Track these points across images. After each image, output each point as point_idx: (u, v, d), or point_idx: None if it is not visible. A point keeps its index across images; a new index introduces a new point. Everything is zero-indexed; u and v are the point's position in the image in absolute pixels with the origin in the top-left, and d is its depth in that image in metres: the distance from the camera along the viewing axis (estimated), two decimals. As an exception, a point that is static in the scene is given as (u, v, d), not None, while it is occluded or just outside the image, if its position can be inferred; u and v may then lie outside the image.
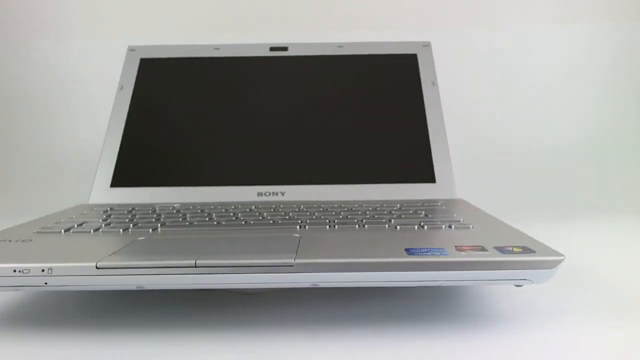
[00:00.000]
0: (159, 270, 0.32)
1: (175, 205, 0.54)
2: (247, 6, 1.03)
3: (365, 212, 0.48)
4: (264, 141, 0.62)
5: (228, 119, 0.63)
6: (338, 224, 0.43)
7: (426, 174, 0.59)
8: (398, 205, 0.52)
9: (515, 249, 0.34)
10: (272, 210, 0.50)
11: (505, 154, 0.96)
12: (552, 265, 0.32)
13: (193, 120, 0.63)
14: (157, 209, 0.52)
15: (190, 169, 0.60)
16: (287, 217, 0.46)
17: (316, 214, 0.48)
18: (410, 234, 0.39)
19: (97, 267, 0.32)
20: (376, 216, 0.46)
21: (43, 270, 0.32)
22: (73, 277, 0.32)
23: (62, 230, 0.42)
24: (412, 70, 0.67)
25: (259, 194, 0.58)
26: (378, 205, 0.52)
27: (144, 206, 0.55)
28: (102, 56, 1.01)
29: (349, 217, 0.46)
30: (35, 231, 0.42)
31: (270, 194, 0.58)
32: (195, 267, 0.32)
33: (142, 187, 0.59)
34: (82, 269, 0.32)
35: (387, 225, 0.42)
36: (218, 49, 0.70)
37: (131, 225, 0.44)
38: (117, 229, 0.42)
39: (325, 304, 0.39)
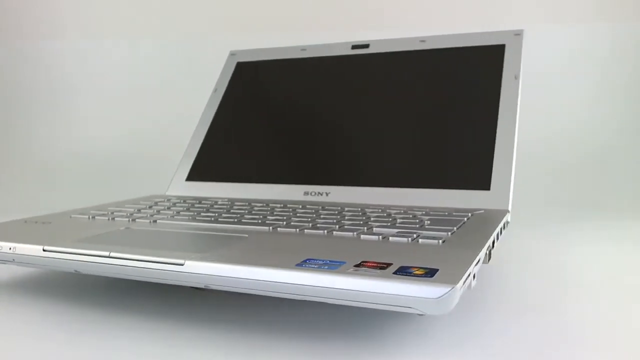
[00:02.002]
0: (84, 257, 0.36)
1: (220, 200, 0.58)
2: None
3: (369, 217, 0.45)
4: (327, 140, 0.61)
5: (302, 118, 0.64)
6: (312, 228, 0.42)
7: (481, 181, 0.53)
8: (422, 212, 0.48)
9: (416, 271, 0.29)
10: (287, 210, 0.50)
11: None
12: (437, 293, 0.27)
13: (268, 119, 0.66)
14: (201, 202, 0.56)
15: (254, 166, 0.63)
16: (284, 218, 0.46)
17: (322, 215, 0.46)
18: (351, 244, 0.36)
19: (43, 250, 0.37)
20: (370, 222, 0.43)
21: (10, 249, 0.38)
22: (27, 257, 0.38)
23: (89, 216, 0.49)
24: (496, 62, 0.60)
25: (305, 193, 0.59)
26: (402, 211, 0.49)
27: (197, 199, 0.59)
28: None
29: (341, 221, 0.44)
30: (71, 216, 0.50)
31: (315, 193, 0.58)
32: (109, 257, 0.35)
33: (209, 181, 0.64)
34: (32, 250, 0.37)
35: (354, 233, 0.40)
36: (305, 49, 0.72)
37: (156, 214, 0.48)
38: (143, 217, 0.47)
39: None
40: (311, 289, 0.30)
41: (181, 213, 0.50)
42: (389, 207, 0.52)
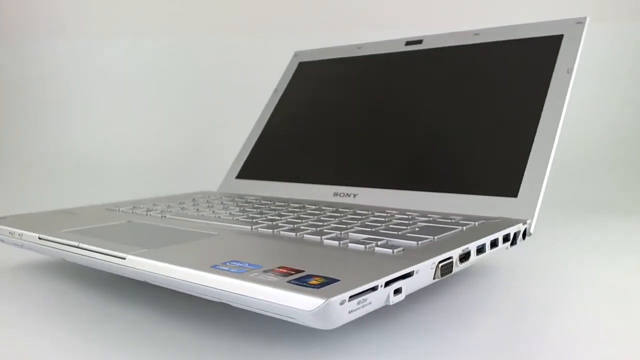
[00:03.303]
0: (62, 247, 0.39)
1: (251, 198, 0.59)
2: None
3: (362, 222, 0.44)
4: (365, 141, 0.60)
5: (347, 118, 0.63)
6: (288, 230, 0.41)
7: (509, 187, 0.48)
8: (427, 218, 0.45)
9: (313, 281, 0.28)
10: (296, 210, 0.50)
11: None
12: (309, 306, 0.26)
13: (317, 120, 0.66)
14: (233, 199, 0.58)
15: (296, 166, 0.63)
16: (280, 218, 0.46)
17: (321, 218, 0.46)
18: (301, 249, 0.36)
19: (38, 238, 0.41)
20: (356, 226, 0.42)
21: (18, 235, 0.43)
22: (29, 243, 0.42)
23: (118, 209, 0.53)
24: (550, 55, 0.55)
25: (335, 194, 0.58)
26: (409, 216, 0.46)
27: (233, 195, 0.61)
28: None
29: (326, 224, 0.43)
30: (106, 209, 0.55)
31: (344, 194, 0.57)
32: (78, 247, 0.38)
33: (256, 180, 0.65)
34: (31, 238, 0.42)
35: (320, 238, 0.39)
36: (360, 47, 0.70)
37: (174, 209, 0.52)
38: (159, 212, 0.51)
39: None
40: (214, 291, 0.30)
41: (198, 209, 0.52)
42: (406, 211, 0.49)
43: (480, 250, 0.38)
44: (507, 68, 0.56)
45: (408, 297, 0.35)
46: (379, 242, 0.36)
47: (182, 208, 0.53)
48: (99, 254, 0.36)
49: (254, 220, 0.46)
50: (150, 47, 1.13)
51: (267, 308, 0.28)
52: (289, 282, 0.28)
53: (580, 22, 0.55)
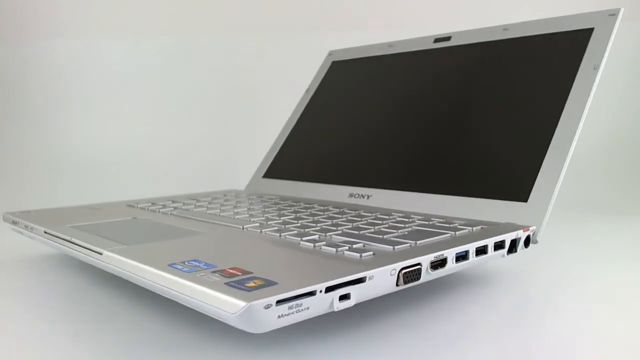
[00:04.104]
0: (60, 241, 0.41)
1: (269, 198, 0.60)
2: None
3: (354, 224, 0.43)
4: (384, 141, 0.59)
5: (373, 118, 0.62)
6: (272, 231, 0.41)
7: (520, 191, 0.46)
8: (426, 221, 0.43)
9: (251, 283, 0.28)
10: (303, 211, 0.50)
11: None
12: (233, 309, 0.25)
13: (343, 119, 0.65)
14: (249, 197, 0.59)
15: (319, 166, 0.63)
16: (277, 219, 0.46)
17: (319, 218, 0.45)
18: (272, 251, 0.36)
19: (44, 232, 0.44)
20: (354, 230, 0.41)
21: (31, 229, 0.46)
22: (39, 237, 0.45)
23: (137, 205, 0.56)
24: (578, 50, 0.51)
25: (350, 195, 0.57)
26: (414, 219, 0.45)
27: (258, 195, 0.62)
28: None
29: (313, 225, 0.43)
30: (127, 205, 0.57)
31: (359, 195, 0.57)
32: (70, 242, 0.40)
33: (281, 179, 0.66)
34: (37, 232, 0.45)
35: (299, 239, 0.38)
36: (391, 46, 0.69)
37: (193, 207, 0.53)
38: (170, 209, 0.52)
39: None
40: (163, 288, 0.30)
41: (209, 207, 0.53)
42: (411, 213, 0.48)
43: (463, 257, 0.36)
44: (533, 65, 0.53)
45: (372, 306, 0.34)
46: (354, 246, 0.35)
47: (196, 206, 0.55)
48: (84, 249, 0.38)
49: (250, 219, 0.46)
50: (187, 46, 1.15)
51: (203, 308, 0.28)
52: (227, 283, 0.28)
53: (613, 14, 0.51)
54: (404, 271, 0.32)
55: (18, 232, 0.49)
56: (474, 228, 0.41)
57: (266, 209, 0.51)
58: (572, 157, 0.45)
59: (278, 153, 0.70)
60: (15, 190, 0.94)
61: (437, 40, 0.64)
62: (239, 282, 0.28)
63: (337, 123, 0.66)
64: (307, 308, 0.27)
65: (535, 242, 0.42)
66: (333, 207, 0.52)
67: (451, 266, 0.35)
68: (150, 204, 0.57)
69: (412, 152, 0.55)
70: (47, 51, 1.10)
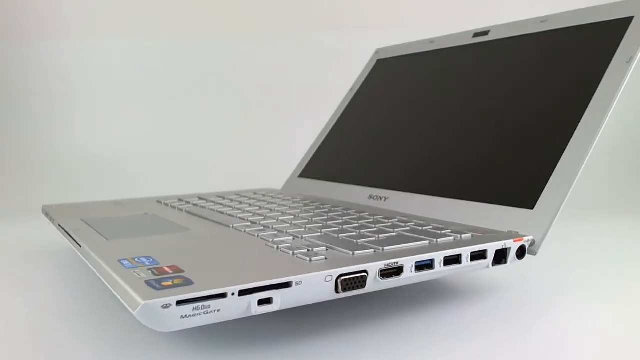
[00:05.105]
0: (65, 234, 0.44)
1: (291, 197, 0.60)
2: None
3: (349, 227, 0.42)
4: (411, 143, 0.57)
5: (406, 118, 0.60)
6: (260, 231, 0.41)
7: (527, 197, 0.42)
8: (427, 226, 0.41)
9: (167, 283, 0.28)
10: (307, 212, 0.50)
11: None
12: (134, 306, 0.26)
13: (380, 119, 0.64)
14: (274, 197, 0.60)
15: (350, 167, 0.62)
16: (275, 219, 0.46)
17: (314, 219, 0.45)
18: (224, 248, 0.36)
19: (58, 225, 0.47)
20: (331, 233, 0.40)
21: (52, 222, 0.50)
22: (56, 229, 0.49)
23: (164, 202, 0.58)
24: (612, 42, 0.46)
25: (370, 197, 0.56)
26: (410, 226, 0.43)
27: (288, 195, 0.62)
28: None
29: (310, 227, 0.42)
30: (156, 201, 0.60)
31: (377, 197, 0.55)
32: (70, 236, 0.43)
33: (315, 179, 0.66)
34: (55, 223, 0.48)
35: (272, 239, 0.38)
36: (433, 42, 0.67)
37: (212, 205, 0.55)
38: (198, 207, 0.54)
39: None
40: (107, 284, 0.31)
41: (223, 205, 0.54)
42: (415, 217, 0.46)
43: (428, 266, 0.34)
44: (563, 59, 0.48)
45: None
46: (314, 249, 0.35)
47: (216, 203, 0.56)
48: (74, 243, 0.40)
49: (247, 219, 0.46)
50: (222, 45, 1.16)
51: (125, 305, 0.28)
52: (147, 281, 0.28)
53: (657, 0, 0.45)
54: (342, 278, 0.30)
55: (51, 224, 0.54)
56: (463, 235, 0.38)
57: (274, 210, 0.51)
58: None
59: (315, 153, 0.69)
60: (68, 186, 0.99)
61: (475, 35, 0.61)
62: (158, 280, 0.28)
63: (372, 123, 0.64)
64: (218, 310, 0.27)
65: (534, 253, 0.38)
66: (341, 209, 0.50)
67: (409, 275, 0.33)
68: (177, 200, 0.59)
69: (433, 153, 0.53)
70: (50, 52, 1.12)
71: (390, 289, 0.40)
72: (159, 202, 0.59)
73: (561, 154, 0.42)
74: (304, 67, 1.18)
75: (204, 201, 0.58)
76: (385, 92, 0.66)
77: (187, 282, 0.28)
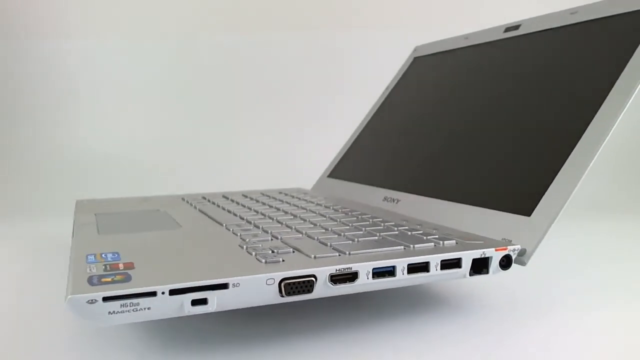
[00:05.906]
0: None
1: (312, 198, 0.60)
2: None
3: (336, 229, 0.41)
4: (429, 145, 0.54)
5: (436, 120, 0.58)
6: (252, 231, 0.42)
7: (523, 203, 0.39)
8: (417, 231, 0.40)
9: (107, 278, 0.29)
10: (311, 213, 0.49)
11: None
12: (65, 300, 0.27)
13: (409, 119, 0.62)
14: (293, 197, 0.60)
15: (374, 168, 0.61)
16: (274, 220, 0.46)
17: (312, 220, 0.44)
18: (197, 247, 0.36)
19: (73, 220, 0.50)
20: (313, 234, 0.39)
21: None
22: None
23: (186, 199, 0.60)
24: (636, 34, 0.42)
25: (385, 199, 0.55)
26: (401, 230, 0.41)
27: (311, 195, 0.62)
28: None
29: (298, 227, 0.42)
30: (182, 198, 0.62)
31: (390, 199, 0.54)
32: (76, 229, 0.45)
33: (342, 180, 0.65)
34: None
35: (249, 239, 0.38)
36: (467, 38, 0.64)
37: (229, 202, 0.56)
38: (212, 205, 0.55)
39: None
40: (70, 276, 0.33)
41: (237, 205, 0.55)
42: (415, 220, 0.44)
43: (390, 273, 0.32)
44: (584, 55, 0.45)
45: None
46: (279, 251, 0.34)
47: (234, 202, 0.57)
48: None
49: (246, 218, 0.46)
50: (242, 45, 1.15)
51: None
52: (89, 277, 0.29)
53: (690, -14, 0.40)
54: (286, 282, 0.30)
55: None
56: (446, 242, 0.36)
57: (280, 210, 0.50)
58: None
59: (345, 153, 0.69)
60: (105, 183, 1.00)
61: (507, 29, 0.57)
62: (101, 276, 0.29)
63: (398, 123, 0.63)
64: (148, 308, 0.27)
65: (523, 263, 0.36)
66: (348, 211, 0.49)
67: (365, 282, 0.32)
68: (201, 197, 0.61)
69: (449, 155, 0.50)
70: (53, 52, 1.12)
71: (376, 293, 0.39)
72: (182, 199, 0.61)
73: (566, 158, 0.39)
74: (338, 65, 1.17)
75: (225, 199, 0.59)
76: (417, 91, 0.64)
77: (126, 279, 0.28)
